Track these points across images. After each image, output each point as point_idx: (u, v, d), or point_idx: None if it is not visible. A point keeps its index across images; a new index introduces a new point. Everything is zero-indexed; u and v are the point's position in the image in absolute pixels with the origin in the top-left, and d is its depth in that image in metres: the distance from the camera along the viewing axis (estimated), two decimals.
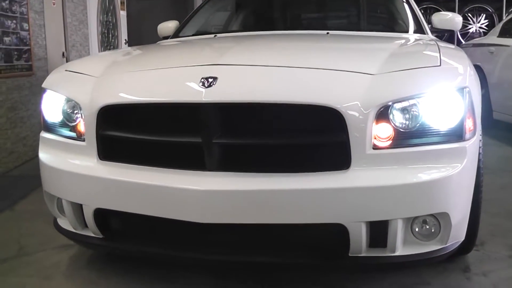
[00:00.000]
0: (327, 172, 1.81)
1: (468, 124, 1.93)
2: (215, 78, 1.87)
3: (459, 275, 2.29)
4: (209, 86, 1.85)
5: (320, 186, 1.77)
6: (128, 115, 2.05)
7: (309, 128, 1.86)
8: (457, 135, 1.88)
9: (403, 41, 2.67)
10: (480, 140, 2.18)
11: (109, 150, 2.06)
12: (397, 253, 1.89)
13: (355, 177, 1.78)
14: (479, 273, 2.31)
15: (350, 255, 1.87)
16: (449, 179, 1.83)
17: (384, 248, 1.88)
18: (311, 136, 1.82)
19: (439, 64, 1.97)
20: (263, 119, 1.90)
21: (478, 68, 5.81)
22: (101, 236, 2.14)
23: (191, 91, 1.86)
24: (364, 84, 1.84)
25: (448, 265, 2.36)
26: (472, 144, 1.94)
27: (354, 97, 1.79)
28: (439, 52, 2.11)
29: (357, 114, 1.77)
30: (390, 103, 1.81)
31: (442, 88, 1.87)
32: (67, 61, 5.58)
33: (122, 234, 2.15)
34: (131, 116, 2.05)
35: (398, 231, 1.82)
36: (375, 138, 1.82)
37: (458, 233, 1.99)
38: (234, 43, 2.47)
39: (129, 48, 2.67)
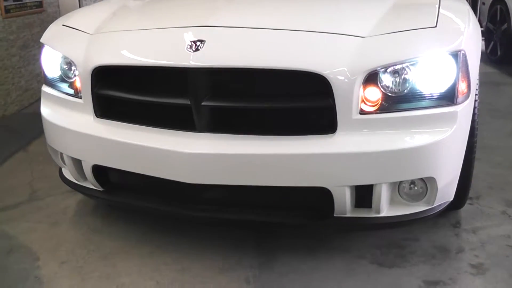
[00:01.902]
0: (314, 135, 1.83)
1: (461, 88, 1.90)
2: (202, 42, 1.86)
3: (448, 231, 2.34)
4: (196, 50, 1.85)
5: (304, 151, 1.79)
6: (122, 74, 2.07)
7: (296, 92, 1.85)
8: (448, 99, 1.86)
9: None
10: (476, 100, 2.14)
11: (105, 108, 2.11)
12: (382, 214, 1.93)
13: (340, 142, 1.80)
14: (469, 230, 2.35)
15: (335, 215, 1.92)
16: (436, 144, 1.83)
17: (370, 209, 1.93)
18: (297, 100, 1.82)
19: (434, 25, 1.91)
20: (251, 83, 1.90)
21: (502, 3, 5.57)
22: (101, 189, 2.24)
23: (178, 54, 1.86)
24: (352, 47, 1.81)
25: (439, 220, 2.41)
26: (465, 108, 1.91)
27: (341, 62, 1.77)
28: (438, 10, 2.03)
29: (343, 79, 1.76)
30: (378, 69, 1.78)
31: (434, 52, 1.83)
32: None
33: (121, 188, 2.24)
34: (125, 75, 2.07)
35: (382, 194, 1.86)
36: (363, 103, 1.81)
37: (445, 195, 2.02)
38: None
39: (124, 0, 2.62)
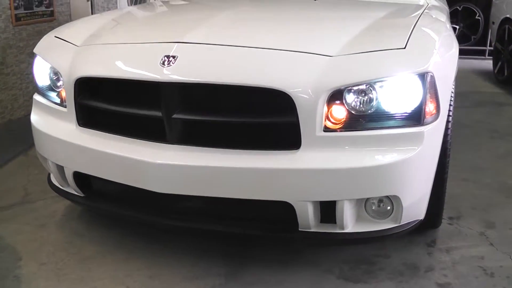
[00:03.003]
0: (279, 151, 1.88)
1: (429, 109, 1.93)
2: (175, 57, 1.94)
3: (421, 250, 2.36)
4: (169, 65, 1.92)
5: (267, 165, 1.84)
6: (102, 86, 2.16)
7: (263, 108, 1.91)
8: (414, 119, 1.90)
9: (386, 12, 2.59)
10: (449, 122, 2.17)
11: (87, 118, 2.20)
12: (347, 230, 1.97)
13: (303, 158, 1.85)
14: (443, 249, 2.37)
15: (300, 229, 1.97)
16: (401, 163, 1.86)
17: (335, 225, 1.97)
18: (263, 116, 1.88)
19: (403, 46, 1.95)
20: (221, 98, 1.97)
21: (511, 22, 5.55)
22: (82, 195, 2.32)
23: (151, 69, 1.94)
24: (319, 66, 1.86)
25: (414, 238, 2.43)
26: (434, 128, 1.95)
27: (305, 80, 1.83)
28: (412, 31, 2.07)
29: (307, 97, 1.81)
30: (343, 88, 1.83)
31: (401, 74, 1.87)
32: (91, 6, 5.68)
33: (101, 194, 2.32)
34: (105, 87, 2.16)
35: (345, 211, 1.90)
36: (328, 120, 1.86)
37: (413, 214, 2.04)
38: (207, 14, 2.46)
39: (120, 10, 2.72)
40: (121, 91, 2.13)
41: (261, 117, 1.88)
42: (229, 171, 1.87)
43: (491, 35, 6.33)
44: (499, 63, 5.84)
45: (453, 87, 2.34)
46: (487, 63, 6.56)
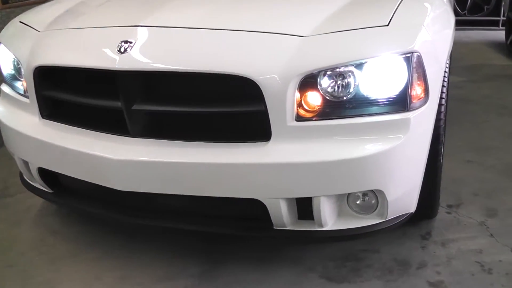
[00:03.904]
0: (248, 143, 1.71)
1: (416, 92, 1.73)
2: (130, 43, 1.76)
3: (415, 243, 2.18)
4: (124, 51, 1.75)
5: (234, 160, 1.68)
6: (62, 75, 1.99)
7: (230, 96, 1.73)
8: (399, 105, 1.70)
9: None
10: (442, 105, 1.97)
11: (50, 109, 2.05)
12: (327, 228, 1.80)
13: (273, 151, 1.67)
14: (438, 242, 2.19)
15: (274, 228, 1.81)
16: (383, 154, 1.68)
17: (314, 222, 1.80)
18: (229, 105, 1.70)
19: (386, 24, 1.74)
20: (184, 86, 1.79)
21: None
22: (50, 191, 2.18)
23: (106, 57, 1.77)
24: (289, 48, 1.67)
25: (408, 229, 2.26)
26: (422, 114, 1.75)
27: (273, 65, 1.64)
28: (398, 6, 1.86)
29: (275, 83, 1.62)
30: (316, 72, 1.64)
31: (382, 54, 1.67)
32: None
33: (70, 191, 2.18)
34: (64, 76, 2.00)
35: (322, 208, 1.73)
36: (301, 108, 1.68)
37: (401, 207, 1.87)
38: None
39: None
40: (82, 80, 1.97)
41: (227, 106, 1.71)
42: (191, 167, 1.70)
43: (504, 5, 5.99)
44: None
45: (447, 66, 2.12)
46: (501, 34, 6.23)
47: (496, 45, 6.09)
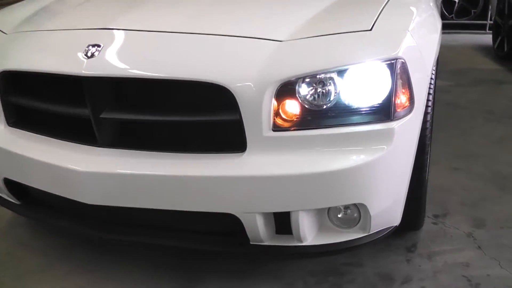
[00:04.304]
0: (223, 154, 1.62)
1: (400, 100, 1.65)
2: (98, 47, 1.66)
3: (400, 256, 2.10)
4: (92, 56, 1.64)
5: (208, 173, 1.58)
6: (28, 80, 1.88)
7: (204, 105, 1.63)
8: (382, 114, 1.61)
9: None
10: (428, 113, 1.88)
11: (16, 116, 1.94)
12: (306, 243, 1.71)
13: (248, 163, 1.57)
14: (424, 255, 2.10)
15: (251, 243, 1.71)
16: (365, 167, 1.59)
17: (293, 236, 1.71)
18: (203, 114, 1.60)
19: (369, 28, 1.65)
20: (155, 94, 1.69)
21: None
22: (17, 202, 2.07)
23: (72, 61, 1.66)
24: (265, 53, 1.57)
25: (393, 241, 2.17)
26: (406, 123, 1.66)
27: (248, 71, 1.54)
28: (382, 9, 1.77)
29: (250, 91, 1.53)
30: (294, 79, 1.55)
31: (364, 61, 1.58)
32: None
33: (38, 202, 2.06)
34: (32, 81, 1.88)
35: (302, 222, 1.63)
36: (278, 118, 1.58)
37: (385, 221, 1.78)
38: None
39: None
40: (49, 86, 1.85)
41: (200, 115, 1.60)
42: (161, 180, 1.60)
43: (491, 9, 5.96)
44: (499, 38, 5.50)
45: (434, 72, 2.04)
46: (488, 38, 6.19)
47: (483, 49, 6.06)
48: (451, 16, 7.24)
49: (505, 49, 5.29)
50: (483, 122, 3.70)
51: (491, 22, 6.29)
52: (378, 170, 1.61)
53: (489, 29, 6.82)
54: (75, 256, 2.15)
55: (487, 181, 2.75)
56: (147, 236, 1.82)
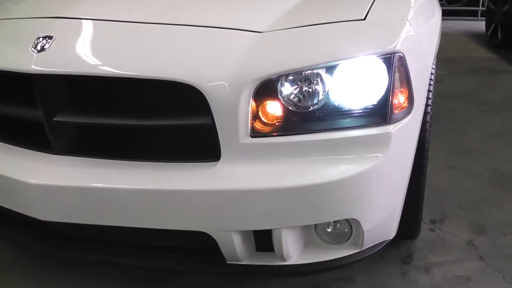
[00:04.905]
0: (194, 163, 1.39)
1: (398, 101, 1.43)
2: (50, 38, 1.42)
3: (394, 269, 1.90)
4: (42, 49, 1.40)
5: (176, 186, 1.35)
6: None
7: (172, 107, 1.41)
8: (377, 116, 1.40)
9: None
10: (428, 113, 1.68)
11: None
12: (290, 262, 1.50)
13: (222, 175, 1.35)
14: (421, 267, 1.91)
15: (228, 262, 1.50)
16: (358, 177, 1.37)
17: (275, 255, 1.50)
18: (171, 118, 1.37)
19: (363, 18, 1.43)
20: (116, 94, 1.45)
21: None
22: None
23: (20, 56, 1.42)
24: (242, 47, 1.35)
25: (387, 252, 1.97)
26: (405, 126, 1.45)
27: (222, 68, 1.31)
28: None
29: (224, 91, 1.30)
30: (275, 77, 1.32)
31: (357, 55, 1.36)
32: None
33: None
34: None
35: (284, 240, 1.42)
36: (258, 121, 1.36)
37: (379, 235, 1.58)
38: None
39: None
40: (1, 84, 1.61)
41: (167, 119, 1.37)
42: (124, 194, 1.38)
43: None
44: (492, 25, 5.31)
45: (434, 67, 1.83)
46: (480, 25, 6.01)
47: (476, 36, 5.87)
48: (441, 2, 7.02)
49: (499, 36, 5.10)
50: (479, 114, 3.51)
51: (483, 8, 6.10)
52: (373, 181, 1.40)
53: (481, 16, 6.64)
54: (37, 273, 1.92)
55: (486, 180, 2.57)
56: (113, 255, 1.59)
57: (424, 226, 2.16)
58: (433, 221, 2.20)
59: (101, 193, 1.41)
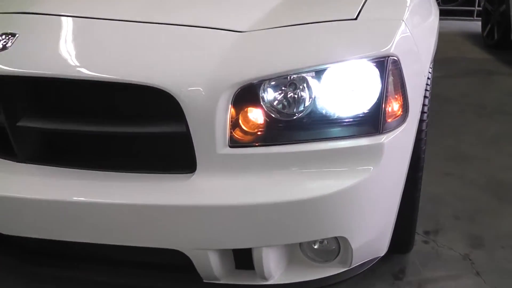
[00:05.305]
0: (168, 174, 1.27)
1: (392, 108, 1.32)
2: (12, 36, 1.29)
3: (385, 285, 1.78)
4: (3, 48, 1.27)
5: (147, 201, 1.23)
6: None
7: (145, 112, 1.28)
8: (369, 125, 1.28)
9: None
10: (424, 121, 1.56)
11: None
12: (272, 281, 1.38)
13: (198, 189, 1.23)
14: (414, 283, 1.79)
15: (205, 281, 1.38)
16: (347, 193, 1.26)
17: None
18: (142, 125, 1.24)
19: (354, 17, 1.31)
20: (86, 98, 1.33)
21: None
22: None
23: None
24: (220, 48, 1.22)
25: (379, 266, 1.84)
26: (398, 136, 1.33)
27: (198, 72, 1.19)
28: None
29: (200, 96, 1.18)
30: (256, 81, 1.20)
31: (347, 59, 1.24)
32: None
33: None
34: None
35: (267, 258, 1.31)
36: (237, 130, 1.24)
37: (369, 253, 1.46)
38: None
39: None
40: None
41: (138, 126, 1.25)
42: (91, 208, 1.25)
43: None
44: (489, 26, 5.21)
45: (431, 71, 1.72)
46: (476, 25, 5.91)
47: (472, 37, 5.78)
48: (437, 1, 6.93)
49: (495, 37, 5.00)
50: (474, 118, 3.41)
51: (479, 8, 6.00)
52: (363, 197, 1.29)
53: (477, 16, 6.54)
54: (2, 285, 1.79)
55: (482, 189, 2.46)
56: (83, 271, 1.47)
57: (418, 238, 2.04)
58: (427, 232, 2.09)
59: (64, 206, 1.28)
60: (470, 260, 1.92)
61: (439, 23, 5.88)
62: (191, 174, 1.25)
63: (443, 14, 6.82)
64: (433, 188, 2.43)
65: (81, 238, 1.32)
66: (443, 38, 5.75)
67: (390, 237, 1.51)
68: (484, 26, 5.35)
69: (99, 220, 1.27)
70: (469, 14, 6.86)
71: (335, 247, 1.41)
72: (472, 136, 3.09)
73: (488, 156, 2.81)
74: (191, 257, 1.29)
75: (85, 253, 1.45)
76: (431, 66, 1.71)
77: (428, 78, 1.62)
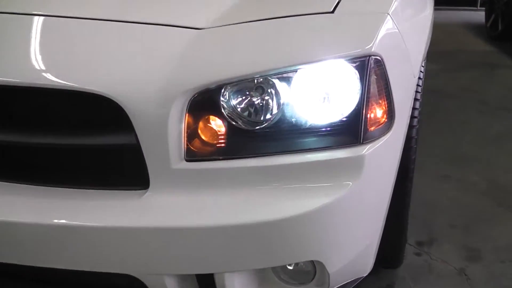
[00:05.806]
0: (118, 191, 1.12)
1: (375, 115, 1.16)
2: None
3: None
4: None
5: (94, 222, 1.08)
6: None
7: (91, 122, 1.12)
8: (347, 135, 1.12)
9: None
10: (414, 127, 1.40)
11: None
12: None
13: (151, 207, 1.08)
14: None
15: None
16: (321, 213, 1.10)
17: None
18: (85, 136, 1.09)
19: (330, 10, 1.15)
20: (28, 106, 1.17)
21: None
22: None
23: None
24: (175, 48, 1.06)
25: (365, 281, 1.69)
26: (382, 146, 1.17)
27: (148, 76, 1.03)
28: None
29: (149, 104, 1.02)
30: (214, 86, 1.04)
31: (322, 59, 1.08)
32: None
33: None
34: None
35: (231, 283, 1.16)
36: (194, 142, 1.08)
37: (349, 274, 1.31)
38: None
39: None
40: None
41: (84, 136, 1.10)
42: (33, 229, 1.10)
43: None
44: (492, 16, 5.01)
45: (423, 70, 1.55)
46: (479, 15, 5.71)
47: (474, 28, 5.58)
48: None
49: (499, 28, 4.81)
50: (476, 115, 3.24)
51: None
52: (340, 216, 1.13)
53: (480, 6, 6.34)
54: None
55: (482, 193, 2.30)
56: None
57: (410, 249, 1.89)
58: (420, 243, 1.94)
59: (4, 226, 1.13)
60: (465, 275, 1.77)
61: (440, 13, 5.64)
62: (144, 190, 1.10)
63: (445, 3, 6.62)
64: (428, 193, 2.28)
65: (20, 260, 1.16)
66: (444, 29, 5.57)
67: (375, 256, 1.36)
68: (487, 17, 5.16)
69: (40, 242, 1.12)
70: (472, 4, 6.66)
71: (311, 269, 1.25)
72: (473, 135, 2.93)
73: (489, 157, 2.65)
74: (145, 283, 1.14)
75: (30, 274, 1.30)
76: (423, 65, 1.55)
77: (419, 78, 1.46)
